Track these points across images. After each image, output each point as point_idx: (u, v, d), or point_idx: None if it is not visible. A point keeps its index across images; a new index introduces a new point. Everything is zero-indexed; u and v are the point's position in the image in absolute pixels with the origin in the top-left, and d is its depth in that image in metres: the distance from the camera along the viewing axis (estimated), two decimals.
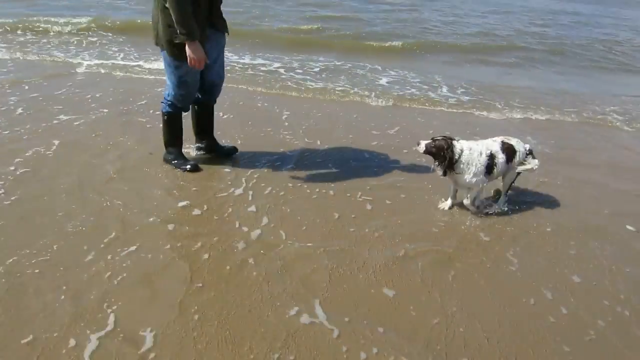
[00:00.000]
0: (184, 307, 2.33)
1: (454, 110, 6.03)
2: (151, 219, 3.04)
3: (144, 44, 8.40)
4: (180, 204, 3.24)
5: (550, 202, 3.66)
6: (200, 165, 3.77)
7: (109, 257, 2.66)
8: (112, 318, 2.24)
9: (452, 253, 2.93)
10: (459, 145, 3.19)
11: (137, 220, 3.03)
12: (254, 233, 2.96)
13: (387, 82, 7.13)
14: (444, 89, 6.92)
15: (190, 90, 3.51)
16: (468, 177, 3.20)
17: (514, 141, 3.38)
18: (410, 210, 3.38)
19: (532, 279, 2.76)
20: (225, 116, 5.01)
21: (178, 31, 3.06)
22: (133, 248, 2.74)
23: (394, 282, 2.61)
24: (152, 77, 6.47)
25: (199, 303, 2.36)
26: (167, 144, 3.76)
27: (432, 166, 3.30)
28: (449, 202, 3.45)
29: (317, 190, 3.55)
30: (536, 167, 3.37)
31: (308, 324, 2.27)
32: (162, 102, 3.63)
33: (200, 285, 2.48)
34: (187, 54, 3.14)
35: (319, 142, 4.52)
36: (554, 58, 10.45)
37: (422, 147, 3.22)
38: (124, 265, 2.60)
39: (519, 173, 3.41)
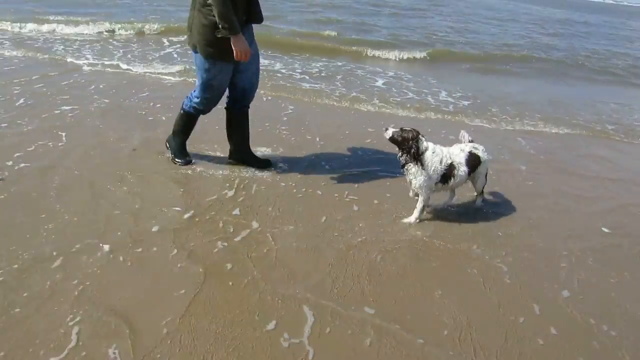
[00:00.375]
0: (170, 317, 2.20)
1: (449, 116, 6.03)
2: (135, 221, 2.96)
3: (150, 44, 8.58)
4: (171, 204, 3.21)
5: (538, 211, 3.66)
6: (195, 161, 3.84)
7: (77, 263, 2.50)
8: (74, 333, 2.02)
9: (438, 261, 2.89)
10: (425, 143, 3.12)
11: (120, 223, 2.92)
12: (240, 236, 2.92)
13: (384, 85, 7.25)
14: (443, 94, 6.98)
15: (214, 94, 3.52)
16: (420, 178, 3.13)
17: (480, 150, 3.33)
18: (395, 212, 3.38)
19: (522, 291, 2.68)
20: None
21: (220, 26, 3.08)
22: (107, 249, 2.63)
23: (378, 293, 2.53)
24: (155, 76, 6.54)
25: (186, 312, 2.24)
26: (175, 133, 3.79)
27: (397, 156, 3.20)
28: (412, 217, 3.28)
29: (304, 190, 3.57)
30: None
31: (288, 346, 2.13)
32: (186, 97, 3.65)
33: (186, 292, 2.39)
34: (232, 47, 3.17)
35: (316, 139, 4.57)
36: (556, 67, 10.47)
37: (389, 133, 3.14)
38: (90, 271, 2.45)
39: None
